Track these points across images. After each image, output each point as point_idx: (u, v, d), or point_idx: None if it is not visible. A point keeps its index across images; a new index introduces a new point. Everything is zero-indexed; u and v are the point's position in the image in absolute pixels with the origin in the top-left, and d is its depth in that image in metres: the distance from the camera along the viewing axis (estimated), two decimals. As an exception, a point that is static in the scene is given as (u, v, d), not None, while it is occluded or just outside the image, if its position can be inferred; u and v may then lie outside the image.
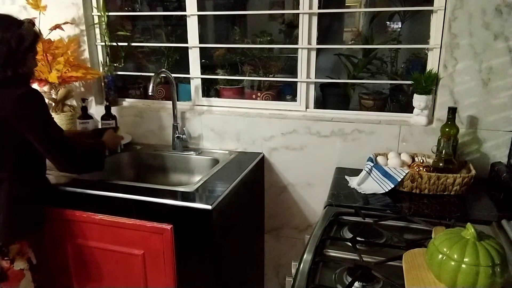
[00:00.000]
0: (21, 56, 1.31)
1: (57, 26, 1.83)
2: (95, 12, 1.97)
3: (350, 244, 1.09)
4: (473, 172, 1.40)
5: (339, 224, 1.24)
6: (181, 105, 1.93)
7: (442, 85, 1.55)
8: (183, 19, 1.89)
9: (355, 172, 1.55)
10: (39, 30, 1.48)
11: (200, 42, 1.89)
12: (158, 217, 1.35)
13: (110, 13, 1.98)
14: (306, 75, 1.77)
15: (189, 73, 1.94)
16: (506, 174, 1.40)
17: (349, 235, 1.15)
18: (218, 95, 2.00)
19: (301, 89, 1.79)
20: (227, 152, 1.85)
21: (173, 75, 1.83)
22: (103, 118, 1.89)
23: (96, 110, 1.95)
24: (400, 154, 1.56)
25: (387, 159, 1.55)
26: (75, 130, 1.84)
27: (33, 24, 1.38)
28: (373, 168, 1.46)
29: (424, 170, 1.41)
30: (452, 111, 1.46)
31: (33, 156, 1.37)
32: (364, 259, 1.02)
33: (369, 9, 2.03)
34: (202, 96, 1.96)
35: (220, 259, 1.42)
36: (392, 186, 1.40)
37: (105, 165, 1.51)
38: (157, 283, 1.42)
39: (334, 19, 2.01)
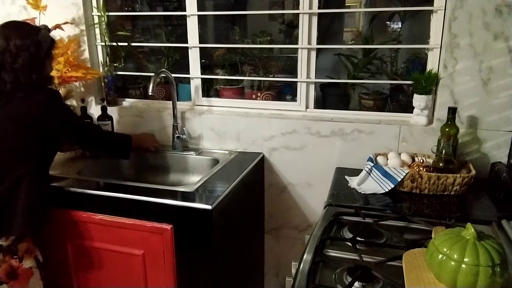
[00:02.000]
0: (41, 61, 1.38)
1: (57, 26, 1.82)
2: (95, 12, 1.97)
3: (350, 244, 1.09)
4: (473, 172, 1.40)
5: (339, 224, 1.24)
6: (181, 105, 1.93)
7: (442, 85, 1.55)
8: (183, 19, 1.89)
9: (355, 172, 1.55)
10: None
11: (200, 42, 1.89)
12: (158, 217, 1.36)
13: (110, 13, 1.98)
14: (306, 75, 1.77)
15: (189, 73, 1.94)
16: (506, 174, 1.40)
17: (349, 235, 1.15)
18: (218, 95, 2.00)
19: (301, 89, 1.79)
20: (227, 152, 1.84)
21: (173, 75, 1.82)
22: (99, 118, 1.88)
23: (96, 110, 1.95)
24: (400, 154, 1.55)
25: (387, 159, 1.55)
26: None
27: (49, 30, 1.46)
28: (373, 168, 1.46)
29: (424, 170, 1.41)
30: (452, 111, 1.46)
31: (49, 154, 1.47)
32: (364, 259, 1.01)
33: (369, 9, 2.02)
34: (202, 96, 1.96)
35: (220, 259, 1.42)
36: (392, 186, 1.40)
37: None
38: (157, 283, 1.42)
39: (334, 19, 2.01)
